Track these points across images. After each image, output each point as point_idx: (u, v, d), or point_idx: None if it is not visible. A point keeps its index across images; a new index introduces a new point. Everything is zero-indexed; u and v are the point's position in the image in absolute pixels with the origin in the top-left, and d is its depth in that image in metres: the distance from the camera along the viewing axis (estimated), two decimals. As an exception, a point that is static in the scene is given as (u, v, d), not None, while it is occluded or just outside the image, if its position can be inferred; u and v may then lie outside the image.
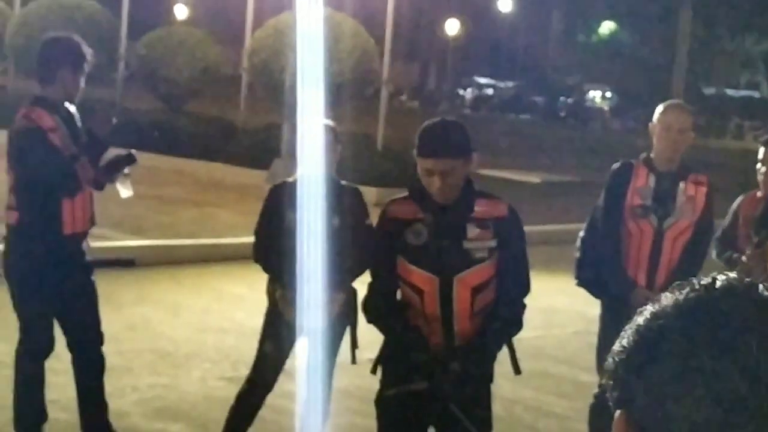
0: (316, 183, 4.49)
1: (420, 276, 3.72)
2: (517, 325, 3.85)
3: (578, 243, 5.03)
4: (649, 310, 0.99)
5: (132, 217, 10.56)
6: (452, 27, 47.04)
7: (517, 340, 4.34)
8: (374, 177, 13.73)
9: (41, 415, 4.79)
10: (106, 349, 4.96)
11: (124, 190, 5.00)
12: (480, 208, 3.74)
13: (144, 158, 15.50)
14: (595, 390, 4.58)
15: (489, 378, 3.88)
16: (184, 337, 6.85)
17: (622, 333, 1.01)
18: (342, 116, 17.12)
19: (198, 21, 26.62)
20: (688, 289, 0.98)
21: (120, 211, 10.15)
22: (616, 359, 0.99)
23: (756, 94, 48.68)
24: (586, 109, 49.15)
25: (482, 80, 56.68)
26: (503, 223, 3.75)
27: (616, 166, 4.93)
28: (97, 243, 8.26)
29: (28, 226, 4.72)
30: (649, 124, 4.85)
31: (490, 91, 55.57)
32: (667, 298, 0.98)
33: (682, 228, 4.76)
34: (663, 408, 0.92)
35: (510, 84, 55.43)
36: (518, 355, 3.94)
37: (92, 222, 4.93)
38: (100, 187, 4.93)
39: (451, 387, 3.68)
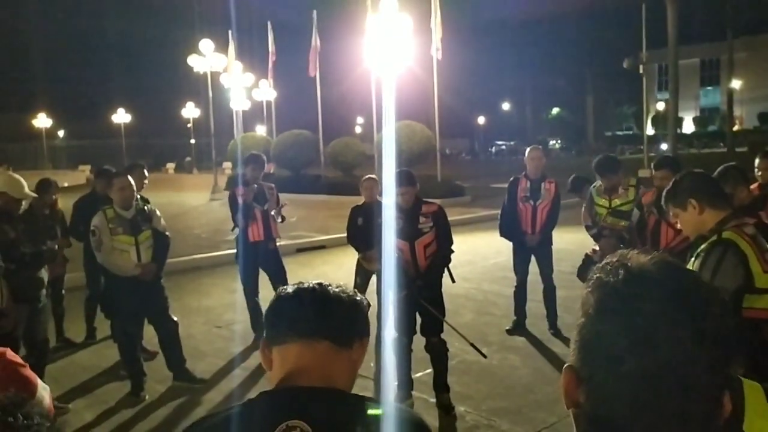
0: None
1: (400, 242, 6.39)
2: (447, 260, 6.48)
3: (499, 215, 8.34)
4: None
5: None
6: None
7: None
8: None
9: None
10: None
11: (280, 218, 8.61)
12: (424, 208, 6.41)
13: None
14: None
15: (438, 286, 6.50)
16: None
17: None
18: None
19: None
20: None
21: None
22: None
23: (631, 132, 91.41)
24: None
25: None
26: (435, 214, 6.41)
27: (511, 179, 8.08)
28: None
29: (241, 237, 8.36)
30: (524, 158, 8.17)
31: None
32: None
33: (545, 205, 8.03)
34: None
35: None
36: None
37: (271, 235, 8.49)
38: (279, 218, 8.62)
39: (417, 291, 6.34)
